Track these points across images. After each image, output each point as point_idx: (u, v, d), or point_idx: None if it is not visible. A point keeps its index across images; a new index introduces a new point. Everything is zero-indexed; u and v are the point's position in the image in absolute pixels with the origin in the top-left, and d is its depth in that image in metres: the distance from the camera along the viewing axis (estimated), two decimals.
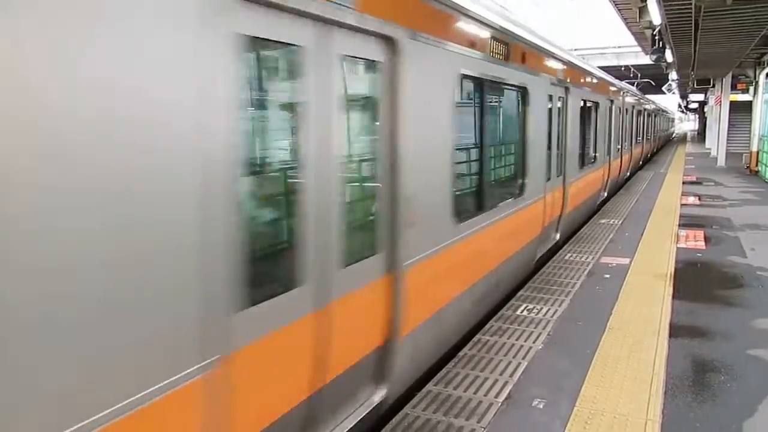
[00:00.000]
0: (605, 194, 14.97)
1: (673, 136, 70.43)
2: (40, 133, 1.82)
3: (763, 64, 22.01)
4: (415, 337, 4.40)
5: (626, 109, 18.17)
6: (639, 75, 41.54)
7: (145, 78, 2.15)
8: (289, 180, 3.22)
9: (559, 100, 9.13)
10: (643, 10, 16.09)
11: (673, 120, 70.26)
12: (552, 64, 8.47)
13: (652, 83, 45.04)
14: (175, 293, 2.31)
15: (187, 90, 2.34)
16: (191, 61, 2.34)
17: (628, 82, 27.57)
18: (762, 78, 21.89)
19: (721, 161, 25.88)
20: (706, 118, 47.29)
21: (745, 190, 17.15)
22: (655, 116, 32.98)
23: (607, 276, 7.77)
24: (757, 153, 22.17)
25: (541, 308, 6.45)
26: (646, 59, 24.52)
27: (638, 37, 22.24)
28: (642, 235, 10.42)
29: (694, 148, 42.44)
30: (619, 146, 16.78)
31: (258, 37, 2.78)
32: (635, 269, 8.10)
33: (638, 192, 16.49)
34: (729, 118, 26.94)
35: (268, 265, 3.18)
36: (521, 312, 6.31)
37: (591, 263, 8.41)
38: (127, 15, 2.07)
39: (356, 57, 3.59)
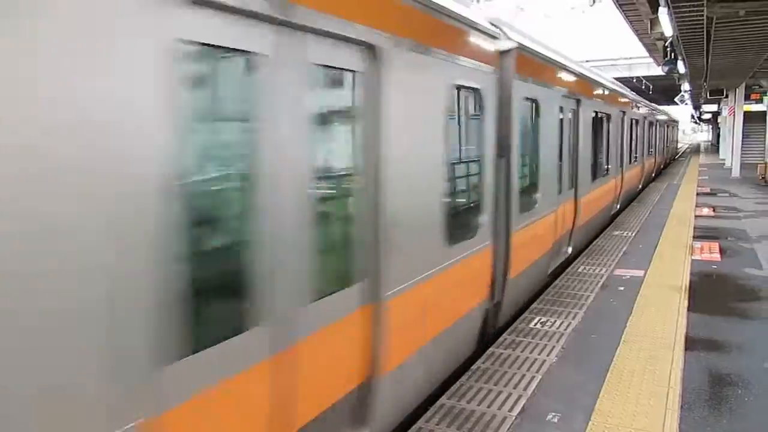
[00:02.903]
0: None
1: (678, 153, 50.72)
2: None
3: None
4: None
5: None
6: (651, 86, 41.22)
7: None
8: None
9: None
10: (654, 21, 16.05)
11: (676, 128, 46.72)
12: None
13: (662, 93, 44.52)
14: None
15: None
16: None
17: (639, 93, 27.45)
18: None
19: (736, 172, 25.67)
20: (719, 128, 46.87)
21: (760, 201, 16.99)
22: (669, 127, 32.64)
23: (621, 288, 7.73)
24: None
25: (555, 321, 6.41)
26: (658, 70, 24.41)
27: (650, 48, 22.20)
28: (656, 246, 10.35)
29: (708, 159, 42.14)
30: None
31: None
32: (649, 281, 8.04)
33: (652, 203, 16.39)
34: (743, 129, 26.78)
35: None
36: (534, 325, 6.29)
37: (605, 275, 8.36)
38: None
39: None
